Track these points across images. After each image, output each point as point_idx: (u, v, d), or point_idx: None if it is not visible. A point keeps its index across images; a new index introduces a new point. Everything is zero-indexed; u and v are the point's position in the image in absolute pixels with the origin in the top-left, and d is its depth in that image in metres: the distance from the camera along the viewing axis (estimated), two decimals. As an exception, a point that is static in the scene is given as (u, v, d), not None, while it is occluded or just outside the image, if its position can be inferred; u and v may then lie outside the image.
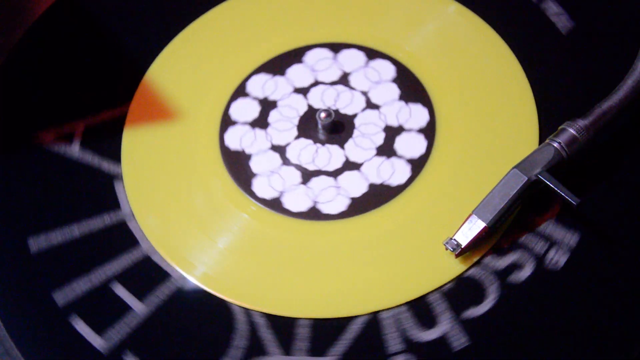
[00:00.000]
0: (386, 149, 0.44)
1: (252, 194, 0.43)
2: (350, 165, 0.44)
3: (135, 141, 0.46)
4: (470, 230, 0.39)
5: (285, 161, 0.44)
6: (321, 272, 0.41)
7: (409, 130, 0.44)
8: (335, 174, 0.43)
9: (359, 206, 0.42)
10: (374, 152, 0.44)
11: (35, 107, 0.48)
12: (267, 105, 0.46)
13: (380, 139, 0.44)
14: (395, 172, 0.43)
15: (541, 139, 0.43)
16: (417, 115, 0.45)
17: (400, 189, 0.42)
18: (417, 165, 0.43)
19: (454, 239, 0.39)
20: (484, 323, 0.38)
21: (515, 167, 0.40)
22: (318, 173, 0.44)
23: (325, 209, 0.42)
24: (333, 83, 0.46)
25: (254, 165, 0.44)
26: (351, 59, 0.47)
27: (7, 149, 0.46)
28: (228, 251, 0.42)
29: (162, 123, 0.46)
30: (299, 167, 0.44)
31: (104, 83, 0.48)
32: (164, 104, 0.47)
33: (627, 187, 0.41)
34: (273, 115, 0.46)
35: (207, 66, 0.48)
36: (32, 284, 0.42)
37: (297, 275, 0.41)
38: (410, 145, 0.44)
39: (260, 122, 0.46)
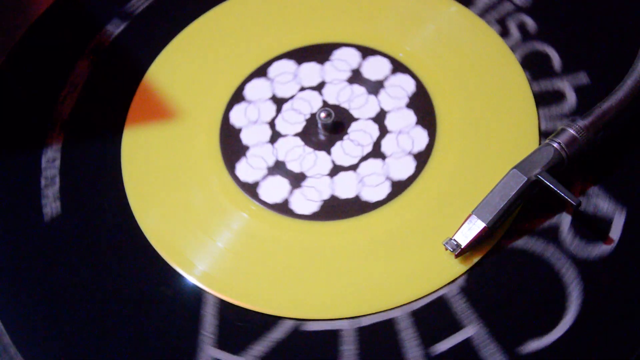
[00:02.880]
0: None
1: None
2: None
3: (135, 141, 0.46)
4: (470, 230, 0.39)
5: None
6: (321, 272, 0.40)
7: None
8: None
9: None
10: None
11: (35, 107, 0.48)
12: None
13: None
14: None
15: (541, 140, 0.43)
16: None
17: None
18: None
19: (454, 239, 0.39)
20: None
21: (515, 167, 0.40)
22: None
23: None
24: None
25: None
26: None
27: (7, 149, 0.46)
28: (227, 250, 0.42)
29: (162, 123, 0.46)
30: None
31: (103, 83, 0.48)
32: (164, 104, 0.47)
33: (627, 187, 0.41)
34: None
35: (207, 66, 0.48)
36: (32, 282, 0.42)
37: (297, 275, 0.41)
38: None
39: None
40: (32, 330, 0.40)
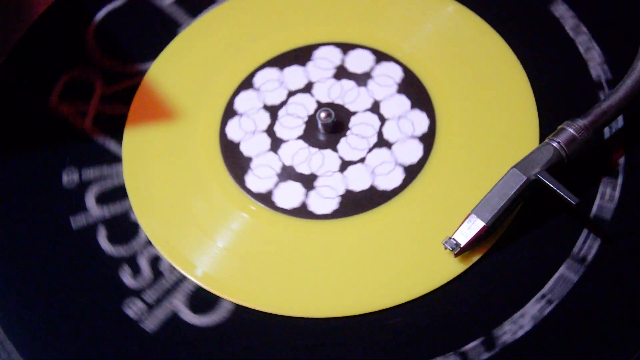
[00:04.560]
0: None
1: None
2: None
3: (136, 141, 0.46)
4: (469, 229, 0.39)
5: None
6: (321, 271, 0.40)
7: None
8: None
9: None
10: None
11: (35, 107, 0.48)
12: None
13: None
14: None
15: (541, 139, 0.43)
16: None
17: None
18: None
19: (453, 239, 0.39)
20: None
21: (515, 166, 0.40)
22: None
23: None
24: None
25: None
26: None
27: (7, 149, 0.46)
28: (228, 251, 0.42)
29: (163, 123, 0.46)
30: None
31: (103, 83, 0.48)
32: (164, 104, 0.47)
33: (626, 187, 0.41)
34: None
35: (207, 66, 0.48)
36: (32, 283, 0.42)
37: (297, 274, 0.41)
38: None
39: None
40: (32, 331, 0.40)
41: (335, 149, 0.44)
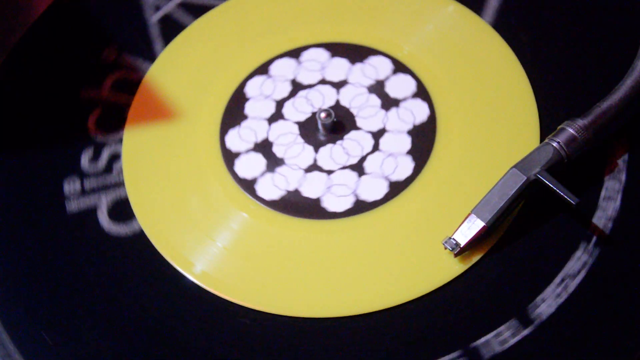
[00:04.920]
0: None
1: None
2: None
3: (136, 141, 0.46)
4: (469, 229, 0.39)
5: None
6: (320, 271, 0.40)
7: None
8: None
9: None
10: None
11: (34, 107, 0.48)
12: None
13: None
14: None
15: (541, 139, 0.43)
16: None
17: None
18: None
19: (453, 239, 0.39)
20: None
21: (514, 166, 0.40)
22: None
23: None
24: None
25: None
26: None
27: (7, 149, 0.46)
28: (227, 250, 0.42)
29: (163, 123, 0.46)
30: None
31: (103, 83, 0.48)
32: (164, 104, 0.47)
33: (626, 187, 0.41)
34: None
35: (207, 66, 0.48)
36: (33, 284, 0.42)
37: (297, 274, 0.41)
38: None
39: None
40: (32, 331, 0.40)
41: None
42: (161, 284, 0.41)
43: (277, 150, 0.45)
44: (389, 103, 0.45)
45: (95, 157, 0.46)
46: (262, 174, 0.44)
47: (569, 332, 0.37)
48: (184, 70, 0.48)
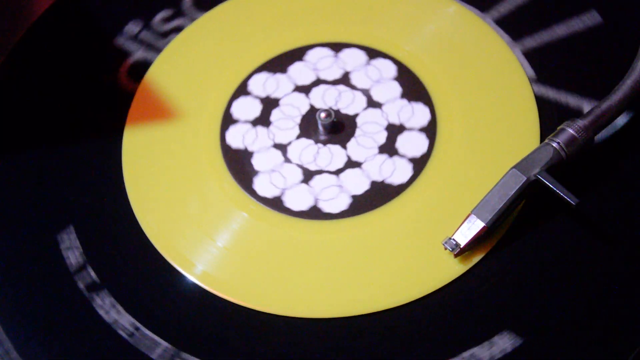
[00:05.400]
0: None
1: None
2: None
3: (136, 141, 0.46)
4: (469, 230, 0.39)
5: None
6: (320, 272, 0.40)
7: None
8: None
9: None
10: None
11: (34, 107, 0.48)
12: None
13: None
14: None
15: (541, 139, 0.43)
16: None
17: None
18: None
19: (453, 239, 0.39)
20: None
21: (514, 167, 0.40)
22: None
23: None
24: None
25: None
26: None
27: (7, 149, 0.46)
28: (227, 250, 0.42)
29: (163, 123, 0.46)
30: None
31: (104, 83, 0.48)
32: (164, 103, 0.47)
33: (626, 187, 0.41)
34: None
35: (207, 66, 0.48)
36: (32, 283, 0.42)
37: (297, 274, 0.41)
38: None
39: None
40: (31, 331, 0.40)
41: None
42: (161, 284, 0.41)
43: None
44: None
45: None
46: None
47: (566, 330, 0.37)
48: (184, 70, 0.48)
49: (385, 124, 0.45)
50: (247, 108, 0.46)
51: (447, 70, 0.46)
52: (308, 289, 0.40)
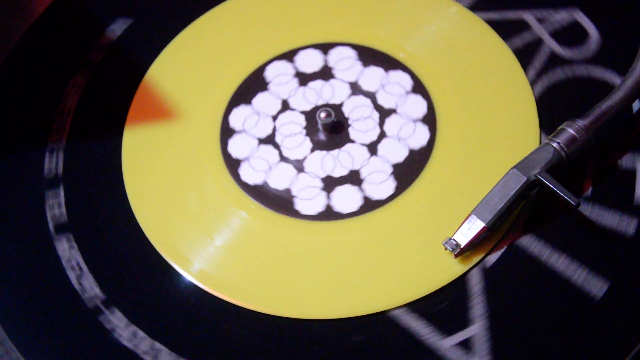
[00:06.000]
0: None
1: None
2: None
3: (136, 141, 0.46)
4: (469, 230, 0.39)
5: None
6: (319, 272, 0.40)
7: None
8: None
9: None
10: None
11: (35, 107, 0.48)
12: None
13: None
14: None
15: (541, 139, 0.43)
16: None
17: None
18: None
19: (453, 239, 0.39)
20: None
21: (515, 167, 0.40)
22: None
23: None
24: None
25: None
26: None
27: (7, 149, 0.46)
28: (226, 249, 0.42)
29: (162, 123, 0.46)
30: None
31: (104, 83, 0.48)
32: (164, 104, 0.47)
33: (626, 187, 0.41)
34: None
35: (207, 66, 0.48)
36: (34, 285, 0.42)
37: (295, 274, 0.40)
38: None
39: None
40: (32, 331, 0.40)
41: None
42: (159, 283, 0.41)
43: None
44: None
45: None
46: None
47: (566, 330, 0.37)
48: (183, 70, 0.48)
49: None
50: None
51: (446, 70, 0.46)
52: (307, 290, 0.40)
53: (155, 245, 0.42)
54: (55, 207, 0.44)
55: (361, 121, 0.45)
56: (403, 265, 0.40)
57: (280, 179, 0.44)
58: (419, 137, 0.44)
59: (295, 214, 0.42)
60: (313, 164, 0.44)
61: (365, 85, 0.46)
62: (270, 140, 0.45)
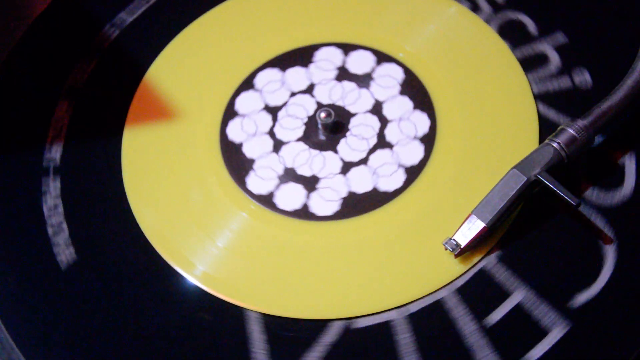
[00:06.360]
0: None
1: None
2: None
3: (136, 141, 0.46)
4: (469, 230, 0.39)
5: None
6: (321, 272, 0.40)
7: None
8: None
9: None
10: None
11: (35, 107, 0.48)
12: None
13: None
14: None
15: (541, 139, 0.43)
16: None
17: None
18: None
19: (453, 239, 0.39)
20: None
21: (515, 167, 0.40)
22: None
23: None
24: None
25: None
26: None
27: (7, 149, 0.46)
28: (227, 250, 0.42)
29: (162, 123, 0.46)
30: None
31: (104, 83, 0.48)
32: (164, 103, 0.47)
33: (626, 187, 0.41)
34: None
35: (207, 66, 0.48)
36: (35, 285, 0.42)
37: (296, 275, 0.40)
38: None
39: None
40: (36, 333, 0.40)
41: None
42: (161, 285, 0.41)
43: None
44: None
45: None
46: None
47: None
48: (184, 70, 0.48)
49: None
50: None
51: (447, 70, 0.46)
52: (308, 290, 0.40)
53: (155, 245, 0.42)
54: (54, 207, 0.44)
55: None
56: (404, 265, 0.40)
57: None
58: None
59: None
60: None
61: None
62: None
